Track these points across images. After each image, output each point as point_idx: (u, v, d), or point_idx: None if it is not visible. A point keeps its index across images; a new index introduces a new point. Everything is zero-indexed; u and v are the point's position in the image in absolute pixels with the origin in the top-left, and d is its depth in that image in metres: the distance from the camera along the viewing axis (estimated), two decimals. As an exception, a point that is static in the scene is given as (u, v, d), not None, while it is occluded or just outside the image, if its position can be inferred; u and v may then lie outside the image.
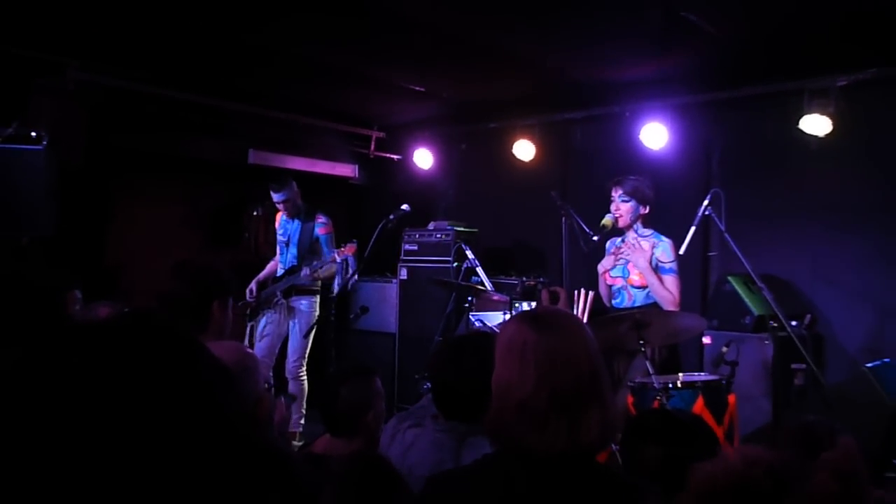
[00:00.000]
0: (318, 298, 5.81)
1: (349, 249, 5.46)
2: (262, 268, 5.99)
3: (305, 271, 5.51)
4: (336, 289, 5.87)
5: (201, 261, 2.88)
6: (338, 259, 5.45)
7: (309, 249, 5.70)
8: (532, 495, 1.64)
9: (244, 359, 2.20)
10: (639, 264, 4.59)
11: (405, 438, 2.42)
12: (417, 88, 6.08)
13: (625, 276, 4.75)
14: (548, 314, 1.88)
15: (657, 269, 4.57)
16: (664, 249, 4.59)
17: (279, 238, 5.88)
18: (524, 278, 5.71)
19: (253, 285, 5.79)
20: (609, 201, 4.78)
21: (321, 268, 5.51)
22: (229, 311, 2.65)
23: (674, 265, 4.56)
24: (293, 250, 5.76)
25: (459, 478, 1.79)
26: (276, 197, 5.71)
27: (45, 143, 4.96)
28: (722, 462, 1.41)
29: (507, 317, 4.89)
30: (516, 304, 5.17)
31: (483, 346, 2.26)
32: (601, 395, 1.71)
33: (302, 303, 5.71)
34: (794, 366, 4.77)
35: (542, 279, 5.72)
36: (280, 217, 5.92)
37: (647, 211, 4.71)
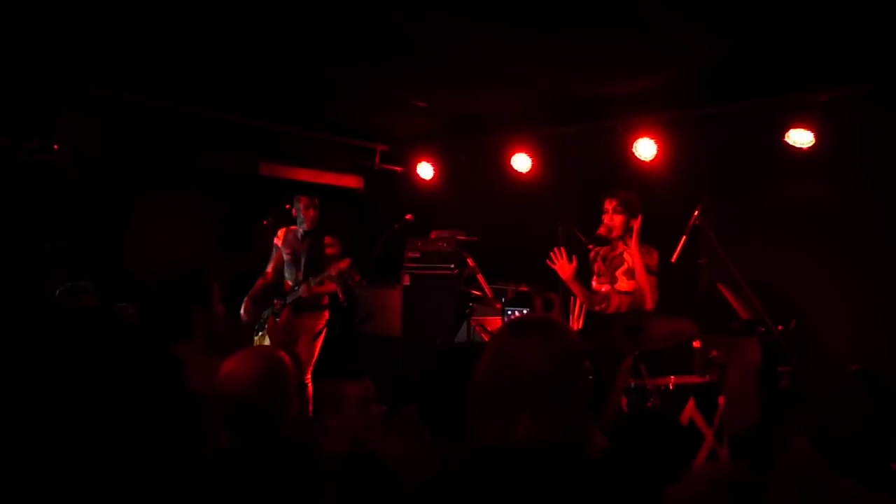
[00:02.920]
0: (326, 313, 5.92)
1: (343, 264, 5.62)
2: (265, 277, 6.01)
3: (303, 288, 5.64)
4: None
5: (182, 266, 2.82)
6: (333, 273, 5.59)
7: (317, 268, 5.78)
8: (483, 491, 1.64)
9: (270, 365, 2.20)
10: (639, 264, 4.79)
11: (391, 450, 2.33)
12: (420, 104, 6.22)
13: (612, 283, 4.96)
14: (526, 319, 1.90)
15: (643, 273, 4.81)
16: (651, 257, 4.82)
17: (286, 256, 5.91)
18: (513, 285, 5.68)
19: (247, 303, 5.79)
20: (601, 212, 4.99)
21: (319, 282, 5.66)
22: (216, 317, 2.59)
23: (656, 268, 4.79)
24: (303, 268, 5.83)
25: (447, 478, 1.77)
26: (306, 202, 5.82)
27: (66, 155, 5.12)
28: (689, 486, 1.51)
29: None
30: (507, 311, 5.17)
31: (470, 360, 2.14)
32: (541, 401, 1.68)
33: (309, 319, 5.82)
34: (780, 368, 4.90)
35: (535, 286, 5.68)
36: (286, 235, 5.96)
37: (636, 223, 4.93)
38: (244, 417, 2.04)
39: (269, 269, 5.99)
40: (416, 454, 2.20)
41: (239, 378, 2.08)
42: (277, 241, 6.00)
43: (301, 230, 5.89)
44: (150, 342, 1.03)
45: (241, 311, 5.76)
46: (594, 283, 5.02)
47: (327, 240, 5.86)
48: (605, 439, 1.87)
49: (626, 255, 4.92)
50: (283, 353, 2.31)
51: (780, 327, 4.66)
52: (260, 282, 5.96)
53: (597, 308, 4.98)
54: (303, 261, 5.82)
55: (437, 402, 2.25)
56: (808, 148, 5.10)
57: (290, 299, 5.75)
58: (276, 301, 5.76)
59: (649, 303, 4.75)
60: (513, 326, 1.83)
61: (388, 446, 2.34)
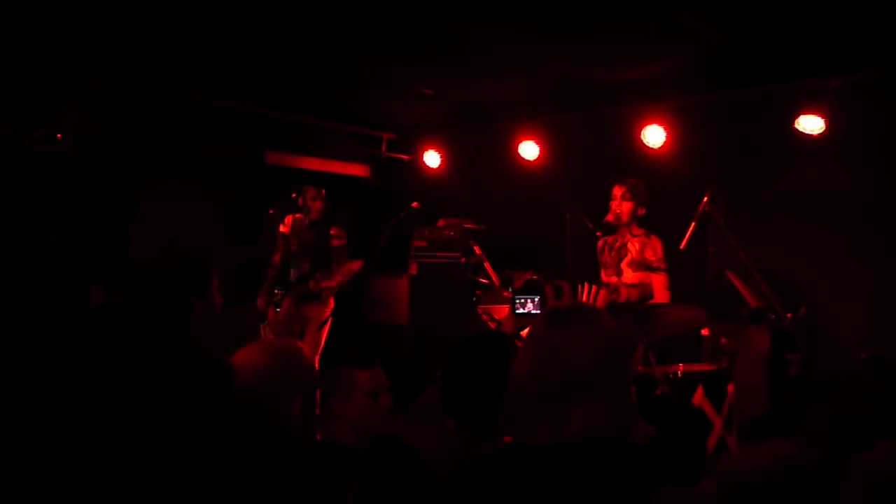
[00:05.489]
0: (331, 301, 5.94)
1: (355, 265, 5.64)
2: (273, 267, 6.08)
3: (312, 283, 5.67)
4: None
5: (182, 255, 2.79)
6: (341, 278, 5.61)
7: (323, 259, 5.82)
8: (526, 485, 1.63)
9: (280, 359, 2.15)
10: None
11: (415, 440, 2.28)
12: (426, 92, 6.19)
13: (619, 275, 4.95)
14: (563, 310, 1.87)
15: (646, 268, 4.77)
16: (653, 248, 4.78)
17: (293, 246, 5.96)
18: (520, 273, 5.51)
19: (264, 293, 5.90)
20: (609, 199, 4.96)
21: (325, 281, 5.67)
22: (214, 308, 2.54)
23: (661, 262, 4.75)
24: (308, 259, 5.86)
25: (479, 466, 1.77)
26: (314, 193, 5.88)
27: (70, 144, 5.11)
28: (751, 456, 1.47)
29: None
30: (517, 299, 5.09)
31: (499, 348, 2.20)
32: (593, 392, 1.66)
33: (314, 309, 5.84)
34: (789, 356, 4.87)
35: (544, 273, 5.64)
36: (293, 223, 6.00)
37: (643, 212, 4.90)
38: (247, 412, 2.00)
39: (276, 258, 6.01)
40: (441, 443, 2.16)
41: (246, 372, 2.05)
42: (284, 230, 6.03)
43: (307, 220, 5.89)
44: (199, 346, 1.01)
45: (258, 301, 5.86)
46: (602, 276, 4.99)
47: (333, 230, 5.86)
48: (647, 425, 1.85)
49: (629, 246, 4.89)
50: (299, 345, 2.28)
51: (789, 315, 4.64)
52: (270, 273, 6.02)
53: (612, 298, 4.96)
54: (310, 252, 5.82)
55: (461, 392, 2.21)
56: (819, 134, 5.05)
57: (293, 289, 5.74)
58: (276, 291, 5.78)
59: (658, 299, 4.71)
60: (552, 318, 1.79)
61: (411, 435, 2.29)
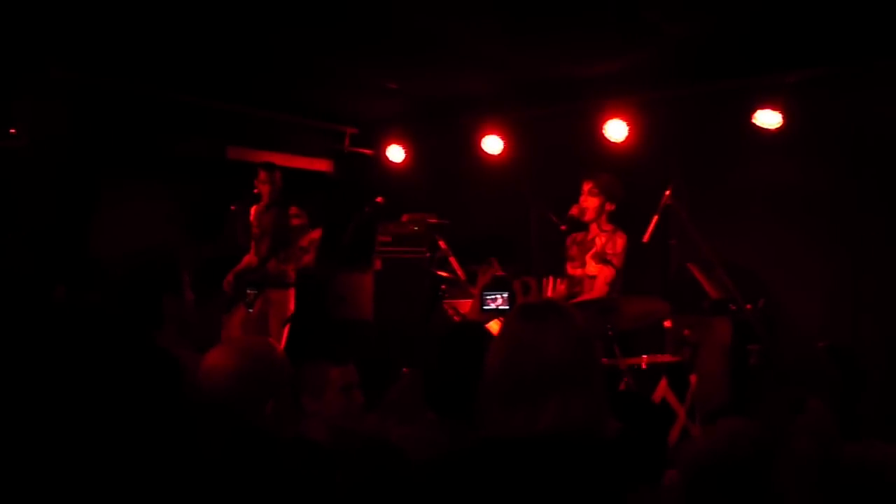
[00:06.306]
0: (292, 290, 5.94)
1: (314, 234, 5.64)
2: (240, 261, 6.07)
3: (274, 262, 5.66)
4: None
5: (153, 252, 2.78)
6: (304, 245, 5.61)
7: (282, 241, 5.81)
8: (498, 478, 1.65)
9: (256, 360, 2.13)
10: None
11: (395, 433, 2.23)
12: (391, 86, 6.17)
13: (583, 267, 5.01)
14: (537, 305, 1.91)
15: (601, 259, 4.83)
16: (613, 243, 4.84)
17: (254, 232, 5.98)
18: (484, 268, 5.52)
19: (230, 278, 5.88)
20: (578, 194, 5.00)
21: (290, 257, 5.67)
22: (186, 305, 2.52)
23: (615, 258, 4.79)
24: (267, 242, 5.86)
25: (453, 459, 1.78)
26: (264, 177, 5.86)
27: (25, 139, 5.00)
28: (705, 439, 1.52)
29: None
30: (486, 296, 5.08)
31: (478, 338, 2.20)
32: (565, 386, 1.68)
33: (277, 295, 5.84)
34: (749, 346, 4.97)
35: (511, 268, 5.62)
36: (255, 210, 6.01)
37: (613, 208, 4.94)
38: (223, 413, 1.98)
39: (252, 248, 6.02)
40: (423, 436, 2.14)
41: (221, 373, 2.03)
42: (250, 219, 6.04)
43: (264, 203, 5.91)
44: (150, 342, 1.01)
45: (224, 283, 5.84)
46: (569, 268, 5.04)
47: (293, 210, 5.83)
48: (615, 419, 1.89)
49: (597, 240, 4.93)
50: (273, 345, 2.26)
51: (749, 306, 4.72)
52: (246, 259, 6.01)
53: (575, 290, 5.01)
54: (269, 232, 5.81)
55: (443, 383, 2.21)
56: (777, 129, 5.13)
57: (257, 277, 5.76)
58: (249, 291, 5.75)
59: (596, 291, 4.78)
60: (524, 313, 1.82)
61: (390, 430, 2.26)
